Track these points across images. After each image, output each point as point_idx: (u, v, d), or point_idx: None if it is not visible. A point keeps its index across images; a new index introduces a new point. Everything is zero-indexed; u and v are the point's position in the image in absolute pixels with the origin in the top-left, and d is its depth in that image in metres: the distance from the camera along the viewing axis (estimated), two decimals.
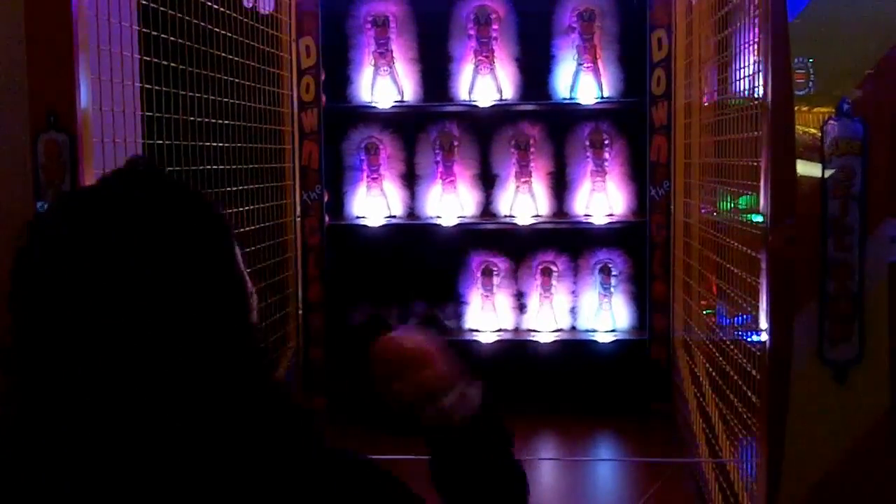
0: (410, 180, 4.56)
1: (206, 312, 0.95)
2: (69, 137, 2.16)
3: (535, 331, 4.49)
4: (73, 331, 0.90)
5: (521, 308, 4.55)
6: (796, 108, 2.21)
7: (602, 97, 4.37)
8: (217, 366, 0.95)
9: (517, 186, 4.47)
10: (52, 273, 0.91)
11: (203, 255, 0.96)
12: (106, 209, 0.95)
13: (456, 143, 4.50)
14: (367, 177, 4.52)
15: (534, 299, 4.52)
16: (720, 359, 3.05)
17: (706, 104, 3.69)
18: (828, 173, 2.19)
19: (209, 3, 3.22)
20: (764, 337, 2.30)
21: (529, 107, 4.48)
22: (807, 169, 2.21)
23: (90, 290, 0.90)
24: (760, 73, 2.38)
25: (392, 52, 4.44)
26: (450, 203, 4.50)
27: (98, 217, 0.94)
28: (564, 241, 4.52)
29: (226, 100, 3.41)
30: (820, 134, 2.19)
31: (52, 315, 0.91)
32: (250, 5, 3.65)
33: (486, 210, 4.55)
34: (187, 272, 0.93)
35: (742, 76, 2.81)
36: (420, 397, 1.20)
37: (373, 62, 4.45)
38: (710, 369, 3.32)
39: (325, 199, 4.47)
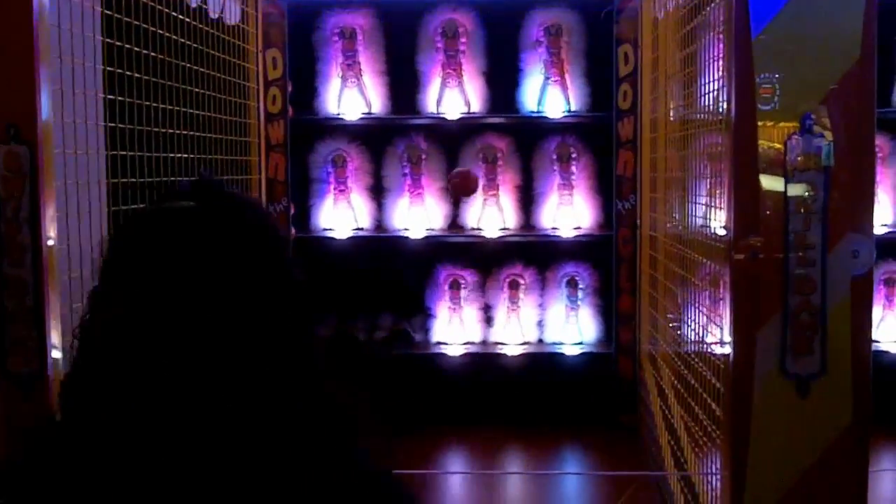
0: (378, 193, 4.55)
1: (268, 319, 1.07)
2: (30, 149, 2.13)
3: (502, 344, 4.49)
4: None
5: (488, 321, 4.55)
6: (762, 124, 2.23)
7: (569, 111, 4.39)
8: (272, 371, 1.04)
9: (485, 199, 4.48)
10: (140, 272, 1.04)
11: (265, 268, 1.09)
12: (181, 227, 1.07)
13: (423, 156, 4.50)
14: (335, 189, 4.51)
15: (501, 312, 4.53)
16: (686, 372, 3.07)
17: (672, 119, 3.71)
18: (790, 188, 2.21)
19: (174, 14, 3.20)
20: (727, 350, 2.31)
21: (497, 120, 4.49)
22: (771, 184, 2.23)
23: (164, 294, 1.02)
24: (724, 89, 2.39)
25: (360, 64, 4.43)
26: (417, 216, 4.49)
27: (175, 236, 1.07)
28: (532, 255, 4.53)
29: (191, 111, 3.38)
30: (784, 149, 2.21)
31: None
32: (216, 16, 3.63)
33: (454, 223, 4.55)
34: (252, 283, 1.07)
35: (707, 91, 2.83)
36: None
37: (340, 74, 4.44)
38: (676, 382, 3.34)
39: (292, 211, 4.44)
